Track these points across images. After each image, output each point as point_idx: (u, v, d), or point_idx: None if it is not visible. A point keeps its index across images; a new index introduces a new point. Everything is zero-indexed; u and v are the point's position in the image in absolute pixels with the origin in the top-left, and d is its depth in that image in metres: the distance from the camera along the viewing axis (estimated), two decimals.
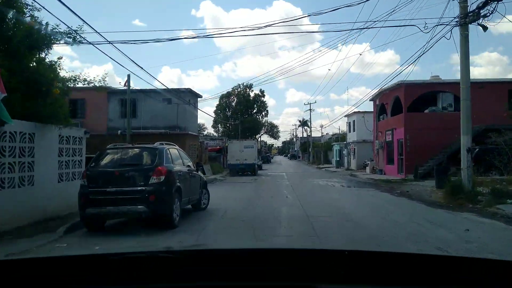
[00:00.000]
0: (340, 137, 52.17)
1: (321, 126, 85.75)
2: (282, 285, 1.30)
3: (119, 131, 23.42)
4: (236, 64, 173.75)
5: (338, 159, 44.75)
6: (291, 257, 1.44)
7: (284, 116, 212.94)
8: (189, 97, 26.71)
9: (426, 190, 16.42)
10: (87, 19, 19.26)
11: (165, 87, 22.76)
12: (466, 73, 12.83)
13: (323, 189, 18.91)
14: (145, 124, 24.66)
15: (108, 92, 25.38)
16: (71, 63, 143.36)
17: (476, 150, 20.44)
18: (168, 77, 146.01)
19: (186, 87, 26.99)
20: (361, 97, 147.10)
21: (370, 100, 30.95)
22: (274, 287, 1.31)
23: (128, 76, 21.92)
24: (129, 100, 21.77)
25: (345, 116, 42.86)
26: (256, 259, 1.44)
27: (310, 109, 60.73)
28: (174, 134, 24.10)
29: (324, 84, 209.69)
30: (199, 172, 11.01)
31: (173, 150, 9.59)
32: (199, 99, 31.25)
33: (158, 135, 23.72)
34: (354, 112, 38.64)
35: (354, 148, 39.13)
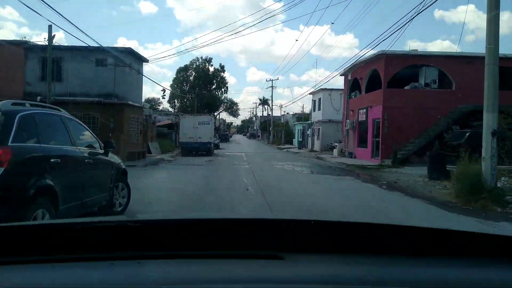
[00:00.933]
0: (303, 117, 49.00)
1: (280, 106, 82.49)
2: (247, 253, 1.27)
3: (38, 98, 18.38)
4: (196, 39, 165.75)
5: (300, 139, 41.54)
6: (255, 226, 1.39)
7: (244, 95, 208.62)
8: (131, 59, 21.82)
9: (418, 182, 13.19)
10: None
11: (99, 45, 17.85)
12: (495, 25, 9.31)
13: (292, 177, 15.26)
14: (73, 91, 19.66)
15: (26, 48, 20.11)
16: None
17: (468, 133, 17.64)
18: None
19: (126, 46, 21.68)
20: (327, 74, 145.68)
21: (341, 75, 27.53)
22: (238, 255, 1.26)
23: (50, 27, 16.93)
24: (50, 58, 16.84)
25: (310, 93, 39.48)
26: (220, 228, 1.40)
27: (272, 86, 57.00)
28: (109, 104, 19.39)
29: (285, 64, 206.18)
30: (108, 156, 6.83)
31: (50, 118, 5.39)
32: (146, 65, 26.39)
33: (89, 104, 18.98)
34: (321, 89, 35.25)
35: (319, 128, 35.96)
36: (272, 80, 56.71)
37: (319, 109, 36.73)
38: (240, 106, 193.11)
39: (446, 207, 8.98)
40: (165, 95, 29.20)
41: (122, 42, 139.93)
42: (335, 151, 27.22)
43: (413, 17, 13.80)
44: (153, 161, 21.00)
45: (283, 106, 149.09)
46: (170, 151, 31.03)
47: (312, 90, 37.09)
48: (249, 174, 15.19)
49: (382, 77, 20.46)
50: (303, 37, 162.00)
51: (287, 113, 76.45)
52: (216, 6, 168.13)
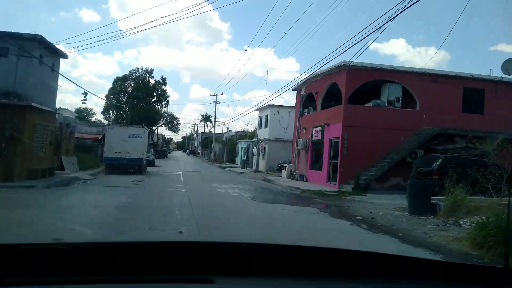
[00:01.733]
0: (248, 135, 46.05)
1: (223, 124, 79.18)
2: (180, 278, 1.25)
3: None
4: (140, 52, 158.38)
5: (244, 158, 38.37)
6: (188, 250, 1.39)
7: (186, 111, 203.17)
8: (42, 51, 17.34)
9: (400, 218, 10.40)
10: None
11: None
12: None
13: (240, 207, 11.83)
14: None
15: None
16: None
17: (440, 159, 15.49)
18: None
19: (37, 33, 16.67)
20: (274, 94, 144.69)
21: (293, 90, 24.94)
22: (171, 280, 1.24)
23: None
24: None
25: (256, 109, 36.67)
26: (153, 252, 1.36)
27: (216, 101, 53.66)
28: (5, 105, 14.80)
29: (228, 82, 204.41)
30: None
31: None
32: (64, 62, 21.84)
33: None
34: (268, 105, 32.54)
35: (265, 147, 33.08)
36: (216, 95, 53.52)
37: (265, 127, 33.95)
38: (182, 122, 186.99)
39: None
40: (86, 99, 24.80)
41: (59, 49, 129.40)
42: (284, 173, 24.31)
43: (380, 27, 11.30)
44: (64, 180, 16.46)
45: (226, 123, 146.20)
46: (93, 167, 26.23)
47: (259, 106, 34.28)
48: (184, 203, 11.51)
49: (343, 91, 18.00)
50: (249, 56, 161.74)
51: (229, 130, 73.45)
52: (162, 21, 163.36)
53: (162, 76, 79.53)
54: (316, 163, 21.12)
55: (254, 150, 33.64)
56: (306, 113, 23.29)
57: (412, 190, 10.76)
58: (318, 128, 20.38)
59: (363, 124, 17.70)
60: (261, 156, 32.96)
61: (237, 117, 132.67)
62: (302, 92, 23.59)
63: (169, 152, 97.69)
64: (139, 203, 11.56)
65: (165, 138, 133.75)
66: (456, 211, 9.99)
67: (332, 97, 20.91)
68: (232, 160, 48.58)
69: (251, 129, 50.42)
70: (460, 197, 10.22)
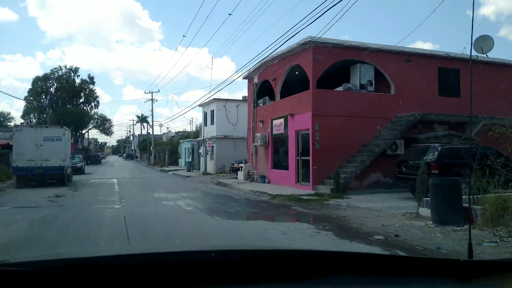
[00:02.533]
0: (192, 134, 41.89)
1: (160, 125, 73.67)
2: None
3: None
4: (64, 52, 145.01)
5: (189, 160, 34.29)
6: (159, 260, 1.35)
7: (120, 114, 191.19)
8: None
9: (427, 229, 7.52)
10: None
11: None
12: None
13: (202, 231, 8.08)
14: None
15: None
16: None
17: (437, 150, 12.96)
18: None
19: None
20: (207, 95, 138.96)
21: (244, 78, 21.55)
22: None
23: None
24: None
25: (199, 105, 32.76)
26: (122, 264, 1.33)
27: (152, 99, 48.62)
28: None
29: (164, 83, 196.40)
30: None
31: None
32: None
33: None
34: (214, 99, 28.85)
35: (213, 146, 29.40)
36: (152, 92, 48.41)
37: (212, 123, 30.21)
38: (116, 125, 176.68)
39: None
40: None
41: None
42: (241, 174, 20.86)
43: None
44: None
45: (165, 122, 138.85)
46: (1, 180, 20.84)
47: (203, 100, 30.44)
48: (118, 232, 7.61)
49: (309, 74, 14.93)
50: (182, 54, 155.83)
51: (169, 131, 68.34)
52: (88, 20, 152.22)
53: (90, 74, 72.52)
54: (279, 162, 17.94)
55: (201, 150, 29.75)
56: (261, 104, 20.04)
57: (439, 191, 7.84)
58: (279, 121, 17.20)
59: (335, 112, 14.81)
60: (208, 157, 29.21)
61: (178, 113, 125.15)
62: (255, 80, 20.28)
63: (103, 157, 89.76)
64: (44, 237, 7.43)
65: (98, 142, 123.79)
66: (502, 217, 7.33)
67: (292, 84, 17.85)
68: (175, 163, 44.14)
69: (193, 128, 46.25)
70: (503, 197, 7.60)
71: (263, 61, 18.22)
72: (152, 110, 48.76)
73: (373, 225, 8.46)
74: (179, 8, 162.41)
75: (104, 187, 19.81)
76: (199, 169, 32.50)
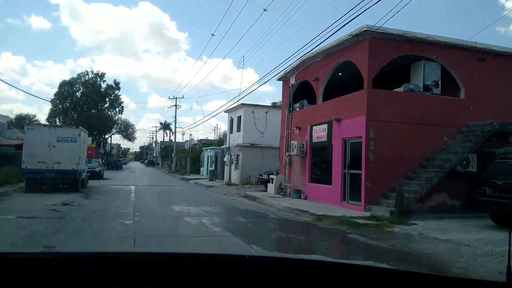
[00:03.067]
0: (217, 141, 39.72)
1: (183, 134, 71.97)
2: None
3: None
4: (94, 60, 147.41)
5: (212, 168, 32.00)
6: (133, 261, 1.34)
7: (145, 122, 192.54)
8: None
9: None
10: None
11: None
12: None
13: None
14: None
15: None
16: None
17: None
18: (9, 65, 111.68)
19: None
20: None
21: (278, 80, 19.16)
22: None
23: None
24: None
25: (225, 111, 30.57)
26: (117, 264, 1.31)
27: (176, 105, 46.90)
28: None
29: (188, 91, 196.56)
30: None
31: None
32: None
33: None
34: (242, 104, 26.61)
35: (238, 155, 27.03)
36: (176, 97, 46.70)
37: (238, 130, 27.90)
38: (139, 131, 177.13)
39: None
40: None
41: (6, 57, 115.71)
42: (271, 187, 18.31)
43: None
44: None
45: (188, 128, 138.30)
46: (12, 183, 19.02)
47: (229, 105, 28.22)
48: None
49: (364, 70, 12.34)
50: (210, 67, 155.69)
51: (192, 138, 66.63)
52: (117, 29, 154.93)
53: (115, 80, 71.58)
54: (319, 174, 15.32)
55: (226, 159, 27.40)
56: (297, 109, 17.56)
57: None
58: (321, 127, 14.64)
59: (394, 117, 12.15)
60: (233, 166, 26.82)
61: (202, 119, 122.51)
62: (292, 82, 17.85)
63: (125, 163, 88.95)
64: None
65: (121, 148, 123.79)
66: None
67: (336, 86, 15.34)
68: (196, 171, 42.01)
69: (216, 136, 44.17)
70: None
71: (302, 59, 15.83)
72: (175, 116, 47.01)
73: (483, 270, 5.82)
74: (206, 19, 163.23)
75: (119, 195, 17.65)
76: (222, 179, 30.13)
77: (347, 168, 12.91)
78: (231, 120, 29.47)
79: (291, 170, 17.24)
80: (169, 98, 47.21)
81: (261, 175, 20.96)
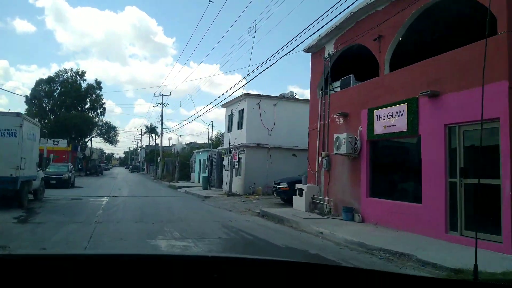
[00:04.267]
0: (211, 144, 33.88)
1: (169, 139, 65.71)
2: None
3: None
4: (78, 64, 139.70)
5: (206, 174, 26.19)
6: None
7: (130, 126, 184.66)
8: None
9: None
10: None
11: None
12: None
13: None
14: None
15: None
16: None
17: None
18: None
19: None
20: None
21: (306, 51, 13.55)
22: None
23: None
24: None
25: (223, 105, 24.86)
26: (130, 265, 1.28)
27: (162, 103, 40.87)
28: None
29: (176, 97, 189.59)
30: None
31: None
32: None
33: None
34: (245, 94, 20.96)
35: (240, 158, 21.34)
36: (162, 95, 40.65)
37: (239, 127, 22.19)
38: (125, 137, 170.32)
39: None
40: None
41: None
42: (299, 201, 12.57)
43: None
44: None
45: (177, 127, 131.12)
46: None
47: (229, 96, 22.49)
48: None
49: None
50: (198, 72, 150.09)
51: (180, 141, 60.52)
52: (103, 33, 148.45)
53: (97, 79, 64.79)
54: (387, 184, 9.76)
55: (226, 162, 21.59)
56: (337, 89, 12.04)
57: None
58: (393, 109, 9.09)
59: None
60: (234, 172, 21.07)
61: (195, 115, 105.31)
62: (329, 51, 12.29)
63: (108, 169, 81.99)
64: None
65: (104, 153, 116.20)
66: None
67: (412, 48, 9.92)
68: (185, 177, 36.05)
69: (208, 136, 38.30)
70: None
71: (351, 14, 10.35)
72: (161, 116, 40.99)
73: None
74: (194, 23, 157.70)
75: (80, 214, 11.76)
76: (219, 187, 24.34)
77: (461, 175, 7.34)
78: (230, 116, 23.72)
79: (330, 177, 11.61)
80: (155, 96, 41.11)
81: (278, 184, 15.27)
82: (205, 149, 30.31)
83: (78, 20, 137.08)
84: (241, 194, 19.70)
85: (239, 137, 21.34)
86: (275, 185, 15.29)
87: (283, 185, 14.58)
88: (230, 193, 19.76)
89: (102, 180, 36.43)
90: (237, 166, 21.05)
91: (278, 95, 22.45)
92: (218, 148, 26.48)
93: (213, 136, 41.50)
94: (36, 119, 59.79)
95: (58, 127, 52.75)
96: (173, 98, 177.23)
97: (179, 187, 26.56)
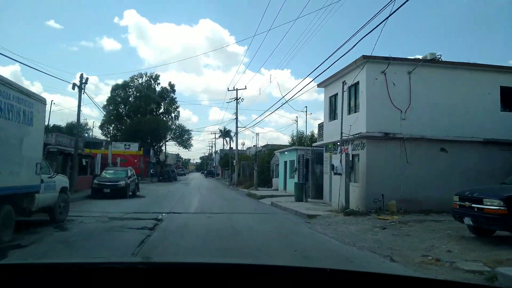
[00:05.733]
0: (306, 140, 26.81)
1: (243, 144, 60.21)
2: None
3: None
4: (159, 77, 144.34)
5: (295, 179, 19.04)
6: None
7: (205, 135, 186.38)
8: None
9: None
10: None
11: None
12: None
13: None
14: None
15: None
16: None
17: None
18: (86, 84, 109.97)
19: None
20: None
21: None
22: None
23: None
24: None
25: (319, 85, 17.56)
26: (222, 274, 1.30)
27: (237, 98, 34.83)
28: None
29: (249, 104, 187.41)
30: None
31: None
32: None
33: None
34: (363, 57, 13.43)
35: (355, 156, 13.85)
36: (237, 89, 34.63)
37: (352, 111, 14.57)
38: (201, 144, 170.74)
39: None
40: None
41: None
42: None
43: None
44: None
45: (258, 119, 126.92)
46: None
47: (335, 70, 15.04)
48: None
49: None
50: (268, 79, 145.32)
51: (254, 145, 54.53)
52: (180, 46, 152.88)
53: (170, 82, 61.68)
54: None
55: (336, 162, 14.09)
56: None
57: None
58: None
59: None
60: (342, 177, 13.47)
61: (278, 103, 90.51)
62: None
63: (184, 174, 79.36)
64: None
65: (181, 158, 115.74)
66: None
67: None
68: (265, 182, 29.43)
69: (304, 129, 31.24)
70: None
71: None
72: (236, 112, 34.77)
73: None
74: (264, 30, 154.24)
75: (104, 250, 5.19)
76: (317, 197, 17.08)
77: None
78: (334, 98, 16.22)
79: None
80: (228, 90, 35.17)
81: (473, 199, 7.36)
82: (292, 147, 23.24)
83: (158, 36, 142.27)
84: (363, 211, 12.19)
85: (353, 124, 13.81)
86: (465, 201, 7.47)
87: (492, 204, 6.78)
88: (345, 209, 12.34)
89: (172, 186, 31.27)
90: (350, 168, 13.54)
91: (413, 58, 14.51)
92: (315, 145, 19.18)
93: (295, 134, 34.31)
94: (113, 125, 58.31)
95: (132, 131, 49.90)
96: (244, 109, 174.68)
97: (262, 197, 19.82)
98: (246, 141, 67.58)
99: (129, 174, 19.49)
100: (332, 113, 16.48)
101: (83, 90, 17.79)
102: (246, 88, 50.19)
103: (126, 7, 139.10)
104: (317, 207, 14.39)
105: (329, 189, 16.15)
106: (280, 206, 15.22)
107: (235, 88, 34.16)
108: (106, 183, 17.58)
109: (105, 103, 57.69)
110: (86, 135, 56.29)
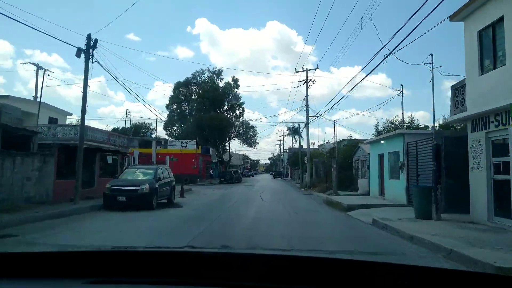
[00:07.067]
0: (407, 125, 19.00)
1: (313, 144, 52.58)
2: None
3: None
4: (222, 72, 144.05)
5: (401, 181, 11.44)
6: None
7: (275, 135, 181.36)
8: None
9: None
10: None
11: None
12: None
13: None
14: None
15: None
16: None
17: None
18: (161, 92, 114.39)
19: None
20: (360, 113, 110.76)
21: None
22: None
23: None
24: None
25: (453, 14, 9.93)
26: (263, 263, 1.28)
27: (306, 81, 27.78)
28: None
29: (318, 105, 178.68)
30: None
31: None
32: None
33: None
34: None
35: None
36: (306, 70, 27.58)
37: None
38: (269, 145, 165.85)
39: None
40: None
41: (158, 84, 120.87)
42: None
43: None
44: None
45: (333, 104, 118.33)
46: None
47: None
48: None
49: None
50: (335, 78, 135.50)
51: (326, 141, 46.81)
52: (248, 50, 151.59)
53: (234, 77, 56.62)
54: None
55: (483, 159, 6.63)
56: None
57: None
58: None
59: None
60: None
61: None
62: None
63: (251, 175, 74.23)
64: None
65: (249, 159, 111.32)
66: None
67: None
68: (347, 184, 22.03)
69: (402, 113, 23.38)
70: None
71: None
72: (306, 98, 27.71)
73: None
74: (332, 29, 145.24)
75: None
76: (456, 211, 9.41)
77: None
78: (488, 31, 8.55)
79: None
80: (296, 71, 28.14)
81: None
82: (394, 132, 15.61)
83: (227, 41, 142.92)
84: None
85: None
86: None
87: None
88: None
89: (230, 190, 25.32)
90: None
91: None
92: (450, 120, 11.53)
93: (385, 121, 26.19)
94: (176, 125, 54.35)
95: (195, 130, 45.56)
96: (311, 107, 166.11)
97: (350, 208, 12.67)
98: (315, 141, 59.71)
99: (160, 175, 13.62)
100: (489, 59, 8.78)
101: (91, 58, 12.30)
102: (318, 68, 42.68)
103: (197, 15, 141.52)
104: (480, 235, 6.93)
105: (486, 198, 8.53)
106: (394, 229, 8.06)
107: (304, 69, 27.16)
108: (121, 188, 11.96)
109: (167, 102, 54.56)
110: (153, 135, 53.27)
